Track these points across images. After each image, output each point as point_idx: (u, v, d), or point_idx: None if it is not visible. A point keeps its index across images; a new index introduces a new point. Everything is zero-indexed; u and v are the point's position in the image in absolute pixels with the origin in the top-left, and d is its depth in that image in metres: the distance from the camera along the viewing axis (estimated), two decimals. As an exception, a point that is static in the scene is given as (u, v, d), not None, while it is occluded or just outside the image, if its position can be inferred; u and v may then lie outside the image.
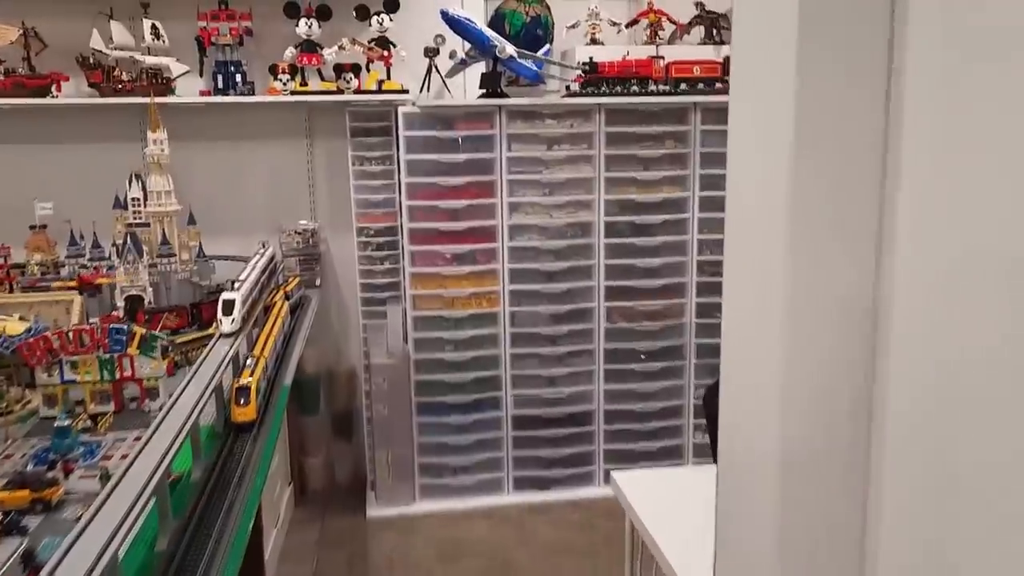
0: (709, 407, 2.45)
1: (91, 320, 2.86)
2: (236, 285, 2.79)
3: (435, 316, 4.09)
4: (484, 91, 4.03)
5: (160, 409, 2.05)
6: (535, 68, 4.15)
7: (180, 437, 1.75)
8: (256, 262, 3.23)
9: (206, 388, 2.09)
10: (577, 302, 4.14)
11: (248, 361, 2.51)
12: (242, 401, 2.27)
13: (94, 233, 3.35)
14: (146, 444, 1.71)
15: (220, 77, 3.85)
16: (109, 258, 3.23)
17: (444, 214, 4.00)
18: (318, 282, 4.21)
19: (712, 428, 2.28)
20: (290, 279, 3.86)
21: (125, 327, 2.47)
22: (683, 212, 4.15)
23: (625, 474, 2.30)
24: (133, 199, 3.10)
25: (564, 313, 4.11)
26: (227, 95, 3.85)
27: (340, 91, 3.88)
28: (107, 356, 2.42)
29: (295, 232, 4.18)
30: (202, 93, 3.86)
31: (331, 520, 4.15)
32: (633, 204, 4.11)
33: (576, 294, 4.16)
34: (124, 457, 1.95)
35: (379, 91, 3.87)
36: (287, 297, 3.54)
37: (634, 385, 4.21)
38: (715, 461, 0.97)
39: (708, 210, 4.06)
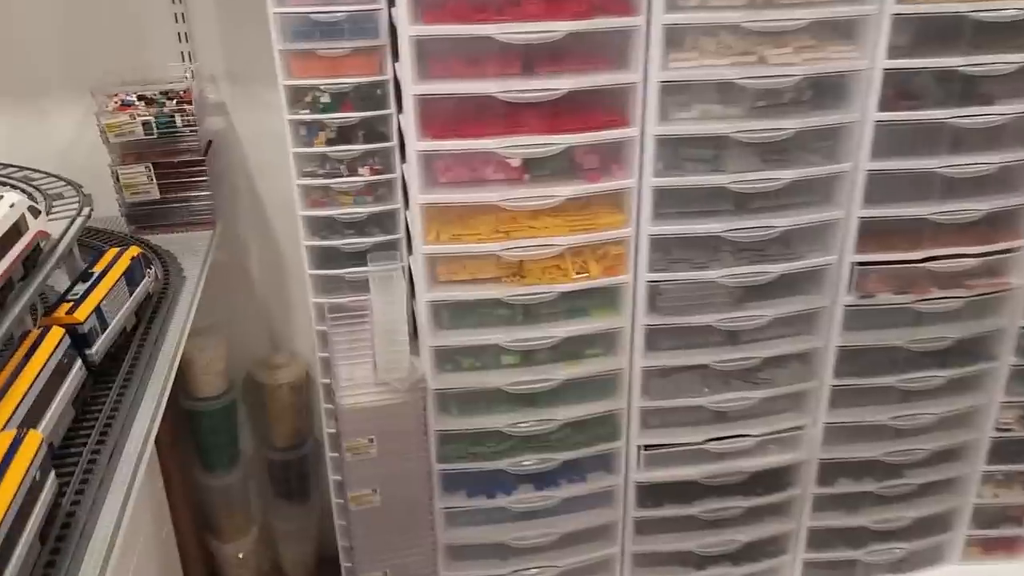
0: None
1: None
2: None
3: (480, 299, 1.81)
4: None
5: None
6: None
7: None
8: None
9: None
10: (795, 256, 1.90)
11: None
12: None
13: None
14: None
15: None
16: None
17: (503, 57, 1.60)
18: (211, 214, 1.83)
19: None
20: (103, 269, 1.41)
21: None
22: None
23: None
24: None
25: (763, 285, 1.90)
26: None
27: None
28: None
29: (140, 99, 1.74)
30: None
31: None
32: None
33: (797, 239, 1.90)
34: None
35: None
36: (82, 358, 1.19)
37: (889, 415, 2.12)
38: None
39: None
